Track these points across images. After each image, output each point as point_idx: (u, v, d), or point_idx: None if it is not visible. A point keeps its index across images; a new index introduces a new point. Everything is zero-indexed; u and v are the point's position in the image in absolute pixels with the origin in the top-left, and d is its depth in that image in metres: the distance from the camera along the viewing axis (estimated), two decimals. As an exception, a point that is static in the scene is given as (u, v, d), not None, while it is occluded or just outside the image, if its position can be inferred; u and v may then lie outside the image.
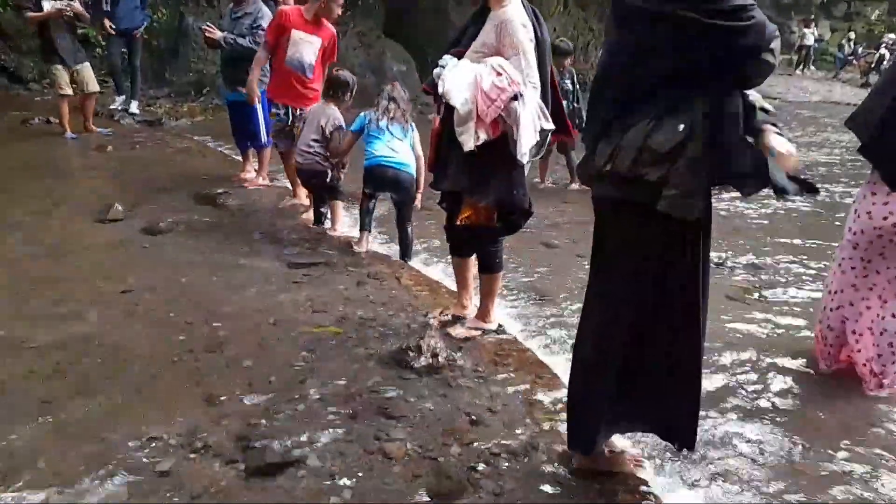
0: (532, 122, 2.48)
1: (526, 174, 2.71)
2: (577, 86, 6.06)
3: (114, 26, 7.40)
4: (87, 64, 6.64)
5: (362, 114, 3.92)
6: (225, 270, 3.54)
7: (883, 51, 17.66)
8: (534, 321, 3.37)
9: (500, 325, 3.05)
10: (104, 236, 4.00)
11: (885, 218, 2.72)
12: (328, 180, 4.23)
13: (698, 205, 1.65)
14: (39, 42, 6.60)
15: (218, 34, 4.94)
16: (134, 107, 8.02)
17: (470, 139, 2.46)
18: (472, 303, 3.12)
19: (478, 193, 2.61)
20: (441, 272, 3.89)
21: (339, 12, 4.60)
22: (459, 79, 2.47)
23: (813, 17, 20.05)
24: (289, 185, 5.17)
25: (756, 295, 3.95)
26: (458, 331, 2.92)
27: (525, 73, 2.50)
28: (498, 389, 2.46)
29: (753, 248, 4.76)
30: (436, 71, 2.59)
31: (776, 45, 1.65)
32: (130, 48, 7.78)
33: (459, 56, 2.61)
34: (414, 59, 11.18)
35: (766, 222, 5.58)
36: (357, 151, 4.15)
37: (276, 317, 2.98)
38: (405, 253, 4.02)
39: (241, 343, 2.71)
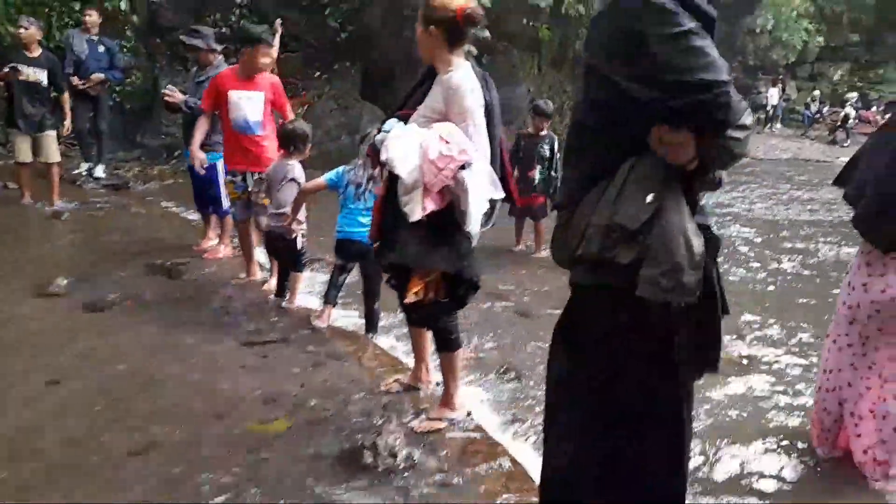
0: (481, 192, 2.35)
1: (474, 245, 2.50)
2: (558, 153, 5.78)
3: (81, 83, 7.15)
4: (52, 133, 6.37)
5: (341, 169, 3.59)
6: (168, 354, 3.23)
7: (848, 109, 18.17)
8: (507, 405, 3.10)
9: (468, 413, 2.77)
10: (40, 314, 3.68)
11: (883, 291, 2.54)
12: (297, 247, 3.97)
13: (686, 282, 1.38)
14: (5, 106, 6.40)
15: (179, 97, 4.78)
16: (99, 171, 7.78)
17: (416, 209, 2.31)
18: (430, 376, 2.92)
19: (424, 265, 2.44)
20: (409, 349, 3.62)
21: (268, 61, 4.35)
22: (405, 146, 2.31)
23: (780, 77, 20.71)
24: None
25: (743, 364, 3.75)
26: (420, 423, 2.63)
27: (474, 140, 2.36)
28: (459, 502, 2.17)
29: (737, 313, 4.55)
30: (378, 136, 2.41)
31: (746, 120, 1.43)
32: (97, 111, 7.60)
33: (406, 118, 2.46)
34: (390, 121, 11.15)
35: (748, 285, 5.41)
36: (328, 215, 3.89)
37: (219, 410, 2.67)
38: (371, 326, 3.75)
39: (172, 447, 2.39)
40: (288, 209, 3.81)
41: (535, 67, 13.08)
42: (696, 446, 2.78)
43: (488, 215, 2.47)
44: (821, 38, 20.87)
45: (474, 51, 10.00)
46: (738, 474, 2.65)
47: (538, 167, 5.74)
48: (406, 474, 2.26)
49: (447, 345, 2.65)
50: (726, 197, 9.75)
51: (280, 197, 3.88)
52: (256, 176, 4.20)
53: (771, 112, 19.75)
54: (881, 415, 2.59)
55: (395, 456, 2.29)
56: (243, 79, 4.20)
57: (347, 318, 4.03)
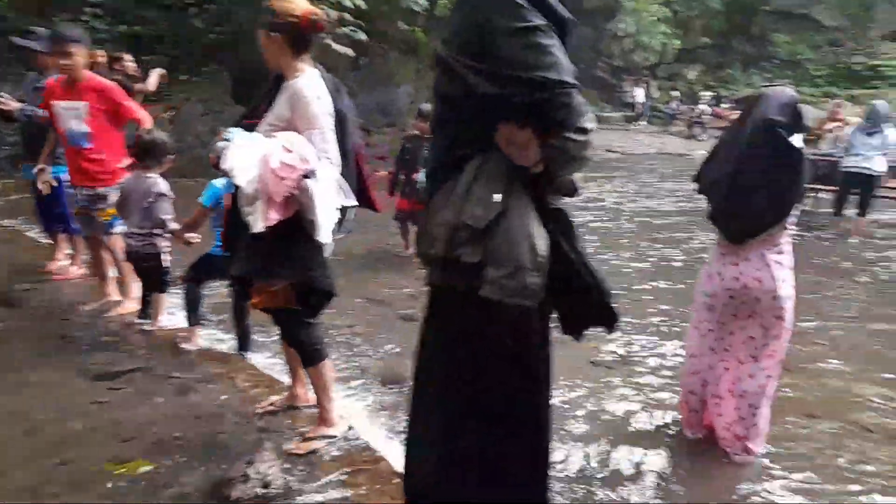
0: (329, 200, 2.28)
1: (327, 253, 2.42)
2: None
3: None
4: None
5: (214, 183, 3.22)
6: (6, 394, 2.85)
7: (702, 106, 19.77)
8: (393, 414, 3.02)
9: (349, 427, 2.66)
10: None
11: (736, 279, 2.71)
12: (163, 265, 3.66)
13: (530, 284, 1.37)
14: None
15: (14, 105, 4.27)
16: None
17: (259, 219, 2.21)
18: (309, 393, 2.77)
19: (268, 276, 2.35)
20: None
21: (75, 63, 3.69)
22: (246, 155, 2.20)
23: (644, 77, 22.17)
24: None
25: (618, 358, 3.90)
26: (297, 445, 2.48)
27: (320, 148, 2.28)
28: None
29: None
30: (220, 145, 2.27)
31: (587, 124, 1.40)
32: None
33: (252, 127, 2.34)
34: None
35: (624, 275, 5.68)
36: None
37: (65, 455, 2.38)
38: (244, 345, 3.52)
39: (10, 497, 2.10)
40: (173, 225, 3.51)
41: (414, 70, 13.12)
42: (573, 439, 2.86)
43: (340, 223, 2.39)
44: (677, 42, 22.56)
45: (351, 53, 9.87)
46: (614, 462, 2.73)
47: (422, 170, 5.71)
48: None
49: (310, 357, 2.54)
50: (599, 191, 10.27)
51: (153, 216, 3.54)
52: (91, 192, 3.82)
53: (639, 110, 21.07)
54: (738, 394, 2.76)
55: (267, 485, 2.14)
56: (66, 88, 3.77)
57: (218, 338, 3.78)
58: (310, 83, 2.34)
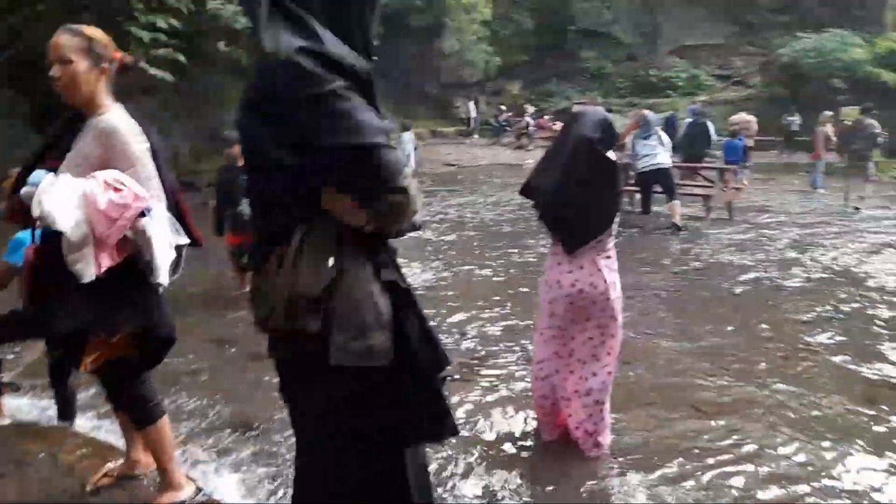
0: (165, 239, 2.13)
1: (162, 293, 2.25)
2: None
3: None
4: None
5: (20, 236, 2.83)
6: None
7: (528, 118, 21.14)
8: (250, 465, 2.83)
9: (198, 490, 2.44)
10: None
11: (573, 285, 2.89)
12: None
13: (377, 344, 1.34)
14: None
15: None
16: None
17: (89, 267, 1.98)
18: (148, 456, 2.48)
19: (106, 327, 2.12)
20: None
21: None
22: (62, 198, 1.95)
23: (474, 93, 23.25)
24: None
25: (473, 363, 4.01)
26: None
27: (146, 185, 2.11)
28: None
29: (465, 321, 4.86)
30: (25, 190, 2.01)
31: (404, 182, 1.34)
32: None
33: (54, 169, 2.09)
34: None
35: (467, 285, 5.85)
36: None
37: None
38: (66, 412, 3.11)
39: None
40: None
41: (242, 91, 12.58)
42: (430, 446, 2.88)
43: (176, 263, 2.22)
44: (498, 59, 23.94)
45: (169, 77, 9.23)
46: (475, 472, 2.78)
47: (245, 200, 5.38)
48: None
49: (146, 416, 2.30)
50: (441, 206, 10.55)
51: None
52: None
53: (472, 125, 22.04)
54: (584, 392, 2.94)
55: (107, 575, 1.89)
56: None
57: (34, 406, 3.31)
58: (121, 118, 2.14)
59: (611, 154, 2.94)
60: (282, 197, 1.36)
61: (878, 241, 7.89)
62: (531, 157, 18.99)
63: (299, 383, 1.47)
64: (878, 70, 19.54)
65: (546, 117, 22.04)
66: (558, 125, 21.38)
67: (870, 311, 5.15)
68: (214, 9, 9.94)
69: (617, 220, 3.00)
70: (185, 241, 2.26)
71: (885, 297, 5.56)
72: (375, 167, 1.28)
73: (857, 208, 9.95)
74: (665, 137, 8.63)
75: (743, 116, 14.72)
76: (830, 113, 13.44)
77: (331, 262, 1.32)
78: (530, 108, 22.07)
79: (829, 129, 12.42)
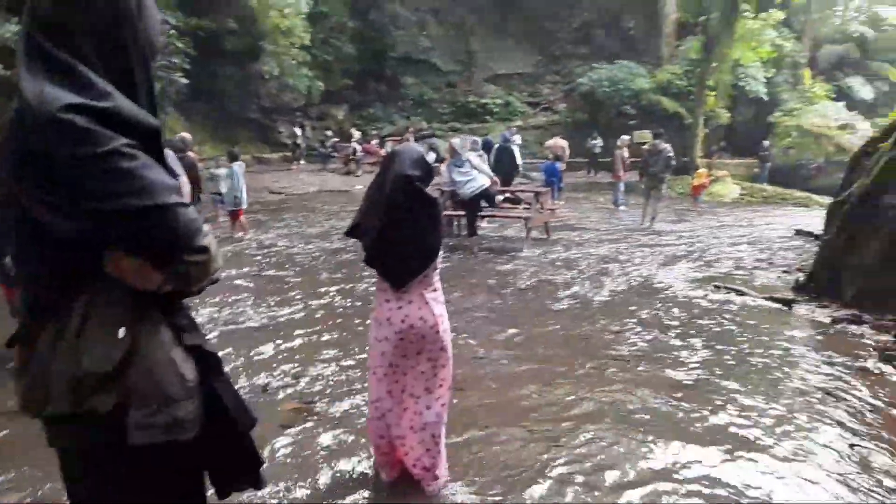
0: None
1: None
2: None
3: None
4: None
5: None
6: None
7: (353, 144, 21.16)
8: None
9: None
10: None
11: (403, 321, 2.88)
12: None
13: (184, 416, 1.23)
14: None
15: None
16: None
17: None
18: None
19: None
20: None
21: None
22: None
23: (299, 117, 22.79)
24: None
25: (308, 406, 3.86)
26: None
27: None
28: None
29: (300, 361, 4.67)
30: None
31: (203, 241, 1.25)
32: None
33: None
34: None
35: (291, 321, 5.65)
36: None
37: None
38: None
39: None
40: None
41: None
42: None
43: None
44: (321, 84, 23.77)
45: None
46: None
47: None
48: None
49: None
50: (269, 236, 10.14)
51: None
52: None
53: (298, 150, 21.52)
54: (420, 427, 2.94)
55: None
56: None
57: None
58: None
59: (430, 189, 3.00)
60: (56, 264, 1.19)
61: (670, 254, 8.98)
62: (360, 183, 19.02)
63: (90, 476, 1.27)
64: (659, 97, 22.43)
65: (374, 142, 22.24)
66: (385, 150, 21.74)
67: (664, 319, 5.81)
68: (-13, 27, 8.73)
69: (441, 253, 3.06)
70: None
71: (676, 303, 6.31)
72: (171, 229, 1.18)
73: (651, 226, 11.27)
74: (476, 161, 9.12)
75: (557, 141, 16.10)
76: (627, 137, 15.14)
77: (122, 332, 1.18)
78: (357, 134, 22.14)
79: (625, 152, 13.96)
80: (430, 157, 22.11)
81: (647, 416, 3.74)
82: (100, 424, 1.17)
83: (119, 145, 1.13)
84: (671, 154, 11.45)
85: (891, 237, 5.70)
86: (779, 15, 20.46)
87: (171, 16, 13.94)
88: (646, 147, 12.44)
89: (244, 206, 9.87)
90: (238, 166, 9.74)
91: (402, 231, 2.89)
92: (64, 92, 1.12)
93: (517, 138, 19.03)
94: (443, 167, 9.21)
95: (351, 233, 3.08)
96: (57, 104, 1.10)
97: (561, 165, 14.38)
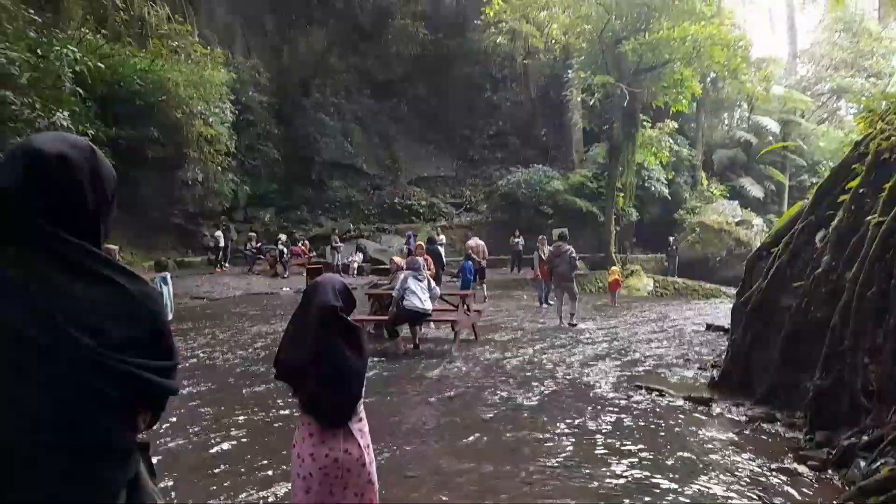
0: None
1: None
2: None
3: None
4: None
5: None
6: None
7: (280, 247, 21.04)
8: None
9: None
10: None
11: (326, 455, 2.83)
12: None
13: None
14: None
15: None
16: None
17: None
18: None
19: None
20: None
21: None
22: None
23: (223, 221, 22.54)
24: None
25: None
26: None
27: None
28: None
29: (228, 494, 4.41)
30: None
31: None
32: None
33: None
34: None
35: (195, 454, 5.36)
36: None
37: None
38: None
39: None
40: None
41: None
42: None
43: None
44: (247, 188, 23.85)
45: None
46: None
47: None
48: None
49: None
50: (187, 346, 9.69)
51: None
52: None
53: (220, 253, 21.13)
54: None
55: None
56: None
57: None
58: None
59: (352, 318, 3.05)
60: None
61: (593, 353, 9.27)
62: (287, 285, 18.78)
63: None
64: (574, 198, 23.82)
65: (300, 244, 22.20)
66: (312, 255, 21.71)
67: (591, 422, 5.92)
68: None
69: (364, 382, 3.06)
70: None
71: (601, 406, 6.47)
72: None
73: (572, 324, 11.60)
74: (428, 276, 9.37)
75: (475, 241, 16.66)
76: (542, 237, 15.86)
77: None
78: (283, 236, 22.08)
79: (544, 250, 14.58)
80: (358, 257, 22.37)
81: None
82: None
83: None
84: (574, 255, 11.96)
85: (789, 336, 6.14)
86: (672, 124, 22.55)
87: (90, 128, 13.87)
88: (550, 249, 12.97)
89: (170, 318, 9.50)
90: (164, 276, 9.56)
91: (335, 364, 2.88)
92: None
93: (442, 238, 19.62)
94: (399, 275, 9.25)
95: (280, 375, 3.02)
96: None
97: (483, 263, 15.07)
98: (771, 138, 27.41)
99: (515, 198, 24.21)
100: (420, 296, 8.86)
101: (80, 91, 13.69)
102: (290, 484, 3.05)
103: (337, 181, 27.21)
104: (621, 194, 22.62)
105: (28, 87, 11.60)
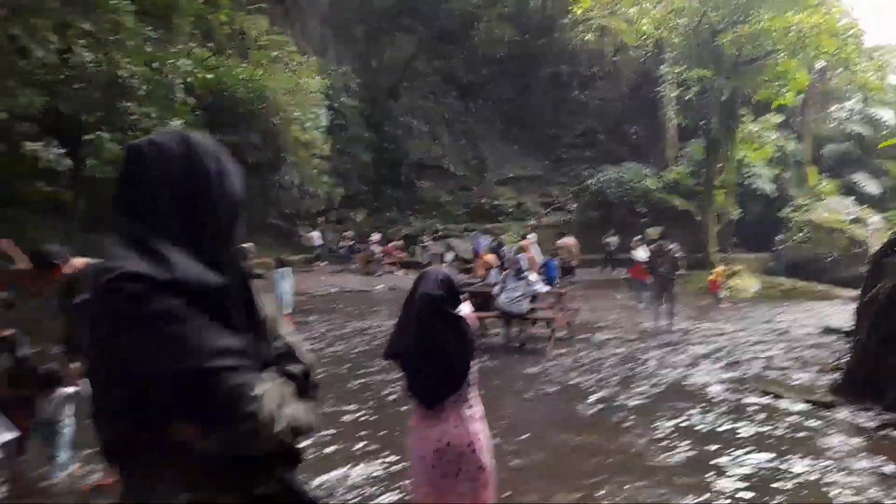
0: None
1: None
2: None
3: None
4: None
5: None
6: None
7: (373, 246, 21.59)
8: None
9: None
10: None
11: (439, 439, 2.85)
12: None
13: None
14: None
15: None
16: None
17: None
18: None
19: None
20: None
21: None
22: None
23: (319, 222, 23.47)
24: None
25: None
26: None
27: None
28: None
29: (342, 473, 4.55)
30: None
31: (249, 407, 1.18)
32: None
33: None
34: None
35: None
36: None
37: None
38: None
39: None
40: None
41: (63, 231, 11.58)
42: None
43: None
44: (341, 190, 24.62)
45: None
46: None
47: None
48: None
49: None
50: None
51: None
52: None
53: (317, 252, 22.01)
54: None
55: None
56: None
57: None
58: None
59: (463, 307, 3.05)
60: (121, 428, 1.21)
61: (696, 354, 8.86)
62: (380, 283, 19.21)
63: None
64: (669, 196, 22.93)
65: (392, 244, 22.67)
66: (403, 255, 22.13)
67: (701, 424, 5.65)
68: (31, 150, 9.27)
69: (475, 369, 3.05)
70: (11, 436, 1.97)
71: (711, 407, 6.15)
72: (212, 394, 1.14)
73: (670, 326, 11.14)
74: (534, 277, 9.31)
75: (564, 240, 16.40)
76: (639, 238, 15.37)
77: (183, 497, 1.18)
78: (376, 236, 22.64)
79: (641, 251, 14.11)
80: (449, 256, 22.57)
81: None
82: None
83: (168, 307, 1.14)
84: (678, 254, 11.47)
85: (926, 336, 5.62)
86: (776, 118, 21.24)
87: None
88: (652, 248, 12.52)
89: (290, 311, 10.35)
90: (282, 272, 10.31)
91: (433, 349, 2.92)
92: (130, 262, 1.16)
93: (533, 237, 19.43)
94: (493, 273, 9.29)
95: (388, 355, 3.10)
96: (112, 273, 1.14)
97: (573, 262, 14.96)
98: (887, 131, 25.28)
99: (606, 196, 23.60)
100: (513, 295, 8.80)
101: (190, 100, 14.59)
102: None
103: (425, 182, 27.56)
104: (721, 192, 21.56)
105: (146, 97, 12.46)
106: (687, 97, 20.73)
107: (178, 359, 1.13)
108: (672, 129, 25.92)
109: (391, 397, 6.56)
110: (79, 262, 4.28)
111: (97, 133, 10.21)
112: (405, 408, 5.94)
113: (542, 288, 9.40)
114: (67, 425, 4.41)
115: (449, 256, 22.37)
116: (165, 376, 1.13)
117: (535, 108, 29.31)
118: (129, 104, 11.82)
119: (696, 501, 4.02)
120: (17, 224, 10.03)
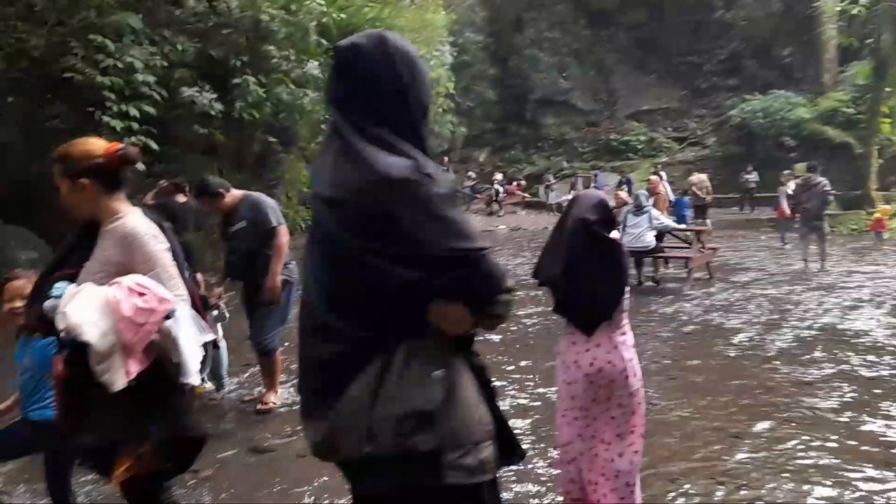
0: (192, 337, 2.09)
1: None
2: None
3: None
4: None
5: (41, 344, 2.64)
6: None
7: (497, 186, 21.58)
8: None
9: None
10: None
11: (591, 364, 2.86)
12: None
13: (487, 457, 1.31)
14: None
15: None
16: None
17: (118, 376, 1.91)
18: None
19: (138, 437, 2.03)
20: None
21: None
22: (86, 308, 1.89)
23: (443, 162, 23.78)
24: None
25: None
26: None
27: (168, 286, 2.09)
28: None
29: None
30: (49, 303, 1.96)
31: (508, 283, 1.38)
32: None
33: (73, 278, 2.06)
34: (47, 244, 9.47)
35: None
36: None
37: None
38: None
39: None
40: None
41: (216, 170, 12.62)
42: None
43: (205, 360, 2.18)
44: (464, 129, 24.65)
45: (140, 166, 9.16)
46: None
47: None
48: None
49: None
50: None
51: None
52: None
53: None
54: (613, 474, 2.87)
55: None
56: None
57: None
58: (139, 222, 2.15)
59: (614, 234, 2.98)
60: (385, 312, 1.31)
61: (854, 298, 8.11)
62: (503, 223, 19.27)
63: None
64: (823, 127, 20.68)
65: (514, 183, 22.53)
66: (523, 194, 21.89)
67: (863, 369, 5.23)
68: (190, 96, 10.03)
69: (628, 296, 3.00)
70: (212, 337, 2.23)
71: (879, 352, 5.66)
72: (486, 272, 1.30)
73: (821, 268, 10.21)
74: (655, 213, 8.98)
75: (696, 177, 15.42)
76: (789, 171, 14.07)
77: (439, 373, 1.29)
78: (499, 175, 22.59)
79: (790, 186, 12.94)
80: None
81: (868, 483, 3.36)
82: (417, 464, 1.25)
83: (442, 192, 1.28)
84: (828, 188, 10.30)
85: None
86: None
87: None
88: (798, 182, 11.33)
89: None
90: None
91: (586, 274, 2.88)
92: (399, 159, 1.29)
93: (663, 174, 18.44)
94: (623, 210, 9.05)
95: (536, 275, 3.12)
96: (402, 167, 1.28)
97: (707, 199, 14.18)
98: None
99: (750, 129, 21.71)
100: (634, 231, 8.47)
101: (324, 41, 15.02)
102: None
103: (551, 118, 26.81)
104: (887, 121, 19.10)
105: (284, 40, 12.96)
106: (854, 10, 18.26)
107: (463, 239, 1.28)
108: (831, 50, 23.04)
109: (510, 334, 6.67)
110: (237, 193, 4.67)
111: (244, 77, 10.83)
112: (531, 342, 6.08)
113: (670, 222, 8.94)
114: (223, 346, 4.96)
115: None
116: (453, 256, 1.27)
117: (674, 33, 27.07)
118: (270, 47, 12.37)
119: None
120: (179, 162, 11.05)
